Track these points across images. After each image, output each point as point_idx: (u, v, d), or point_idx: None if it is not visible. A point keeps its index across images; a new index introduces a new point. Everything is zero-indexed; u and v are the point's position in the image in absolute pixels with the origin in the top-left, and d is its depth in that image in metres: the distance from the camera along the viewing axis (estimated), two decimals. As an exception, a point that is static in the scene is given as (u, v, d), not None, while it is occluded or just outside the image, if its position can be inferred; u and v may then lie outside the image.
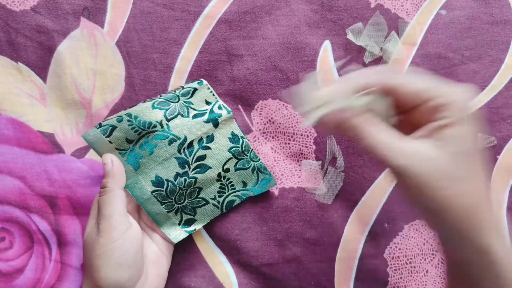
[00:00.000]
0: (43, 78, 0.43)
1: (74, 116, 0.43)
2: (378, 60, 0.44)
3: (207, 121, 0.40)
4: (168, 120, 0.39)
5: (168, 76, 0.43)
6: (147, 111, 0.39)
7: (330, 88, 0.29)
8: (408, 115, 0.31)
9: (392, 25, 0.44)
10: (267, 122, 0.44)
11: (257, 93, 0.44)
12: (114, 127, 0.38)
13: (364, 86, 0.29)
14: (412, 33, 0.44)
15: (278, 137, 0.44)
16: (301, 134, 0.44)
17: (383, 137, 0.28)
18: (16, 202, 0.42)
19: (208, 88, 0.42)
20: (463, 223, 0.28)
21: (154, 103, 0.39)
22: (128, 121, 0.38)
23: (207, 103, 0.42)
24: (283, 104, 0.44)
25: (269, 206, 0.43)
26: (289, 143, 0.44)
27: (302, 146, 0.44)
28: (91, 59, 0.43)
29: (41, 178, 0.42)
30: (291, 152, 0.44)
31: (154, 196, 0.39)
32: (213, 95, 0.42)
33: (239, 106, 0.44)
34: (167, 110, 0.39)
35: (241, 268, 0.44)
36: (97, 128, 0.38)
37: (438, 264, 0.44)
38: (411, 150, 0.28)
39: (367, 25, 0.44)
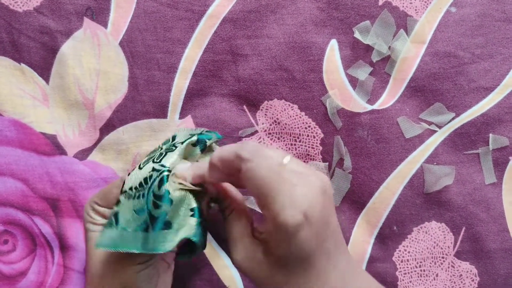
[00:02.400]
0: (46, 79, 0.43)
1: (76, 117, 0.43)
2: (386, 59, 0.44)
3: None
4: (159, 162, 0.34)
5: (172, 76, 0.43)
6: (135, 175, 0.34)
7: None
8: None
9: (401, 23, 0.44)
10: (273, 122, 0.44)
11: (262, 93, 0.43)
12: (115, 232, 0.32)
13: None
14: (421, 31, 0.43)
15: (284, 138, 0.44)
16: (308, 135, 0.44)
17: (236, 231, 0.32)
18: (18, 205, 0.42)
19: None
20: None
21: (139, 165, 0.34)
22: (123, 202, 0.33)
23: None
24: (289, 105, 0.43)
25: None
26: (295, 144, 0.44)
27: (309, 147, 0.44)
28: (94, 60, 0.43)
29: (43, 180, 0.42)
30: (297, 153, 0.44)
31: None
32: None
33: (244, 106, 0.44)
34: (153, 157, 0.34)
35: (246, 272, 0.43)
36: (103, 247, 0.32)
37: (448, 267, 0.43)
38: (250, 251, 0.31)
39: (375, 23, 0.43)
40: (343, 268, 0.31)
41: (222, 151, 0.30)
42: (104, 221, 0.36)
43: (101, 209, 0.36)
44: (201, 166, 0.32)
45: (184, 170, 0.33)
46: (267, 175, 0.28)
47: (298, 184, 0.29)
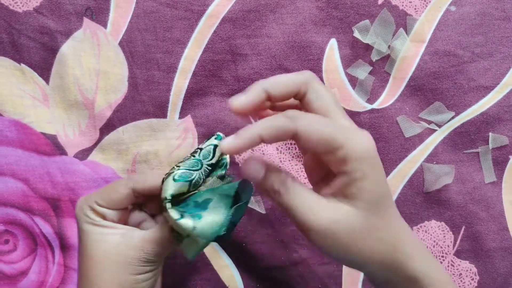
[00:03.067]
0: (46, 79, 0.43)
1: (77, 117, 0.43)
2: (386, 58, 0.43)
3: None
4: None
5: (171, 76, 0.43)
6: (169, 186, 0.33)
7: (237, 139, 0.28)
8: (313, 157, 0.32)
9: (400, 22, 0.43)
10: (272, 122, 0.43)
11: (261, 93, 0.43)
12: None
13: (272, 133, 0.28)
14: (421, 30, 0.43)
15: (283, 137, 0.43)
16: (307, 134, 0.43)
17: (304, 197, 0.28)
18: (19, 205, 0.42)
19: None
20: (386, 263, 0.30)
21: (174, 176, 0.33)
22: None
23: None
24: (289, 104, 0.43)
25: (275, 208, 0.43)
26: (294, 144, 0.44)
27: (308, 146, 0.43)
28: (94, 60, 0.43)
29: (44, 181, 0.42)
30: (296, 152, 0.44)
31: None
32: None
33: (244, 106, 0.44)
34: (191, 181, 0.34)
35: (246, 271, 0.43)
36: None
37: (448, 266, 0.43)
38: (330, 213, 0.28)
39: (374, 23, 0.43)
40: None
41: (271, 121, 0.28)
42: (105, 222, 0.33)
43: (102, 210, 0.34)
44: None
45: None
46: (325, 125, 0.28)
47: (351, 125, 0.30)
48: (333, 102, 0.30)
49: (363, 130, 0.30)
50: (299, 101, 0.31)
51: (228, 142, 0.27)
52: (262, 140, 0.28)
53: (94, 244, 0.33)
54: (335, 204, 0.28)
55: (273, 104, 0.32)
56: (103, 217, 0.34)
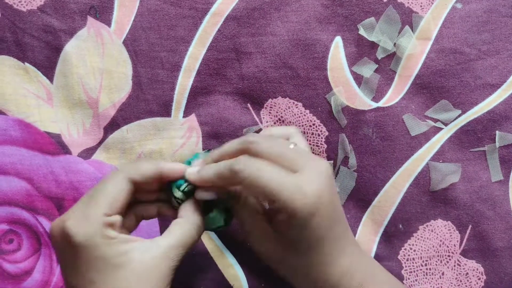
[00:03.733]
0: (50, 78, 0.43)
1: (81, 116, 0.43)
2: (392, 56, 0.43)
3: None
4: None
5: (175, 74, 0.43)
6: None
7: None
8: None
9: (406, 19, 0.43)
10: (277, 120, 0.43)
11: (266, 91, 0.43)
12: None
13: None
14: (427, 28, 0.43)
15: (288, 136, 0.43)
16: (312, 133, 0.43)
17: (267, 168, 0.30)
18: (23, 204, 0.42)
19: None
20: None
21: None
22: None
23: None
24: (293, 102, 0.43)
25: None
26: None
27: (313, 145, 0.43)
28: (98, 59, 0.43)
29: (48, 180, 0.42)
30: (301, 151, 0.43)
31: None
32: None
33: (248, 104, 0.44)
34: None
35: (251, 271, 0.43)
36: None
37: (454, 266, 0.43)
38: (262, 236, 0.33)
39: (380, 20, 0.43)
40: (350, 251, 0.33)
41: (217, 168, 0.31)
42: (128, 237, 0.30)
43: (113, 220, 0.30)
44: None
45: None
46: (269, 177, 0.29)
47: (304, 169, 0.30)
48: (279, 152, 0.31)
49: (316, 178, 0.30)
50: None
51: (192, 173, 0.33)
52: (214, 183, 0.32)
53: (115, 270, 0.28)
54: (268, 231, 0.33)
55: None
56: (119, 229, 0.30)
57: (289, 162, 0.30)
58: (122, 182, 0.31)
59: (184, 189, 0.33)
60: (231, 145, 0.33)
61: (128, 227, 0.34)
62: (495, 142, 0.43)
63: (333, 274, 0.32)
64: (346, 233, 0.33)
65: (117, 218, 0.30)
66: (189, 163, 0.35)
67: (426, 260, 0.43)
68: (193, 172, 0.33)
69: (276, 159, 0.30)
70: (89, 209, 0.29)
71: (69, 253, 0.29)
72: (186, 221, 0.32)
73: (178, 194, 0.34)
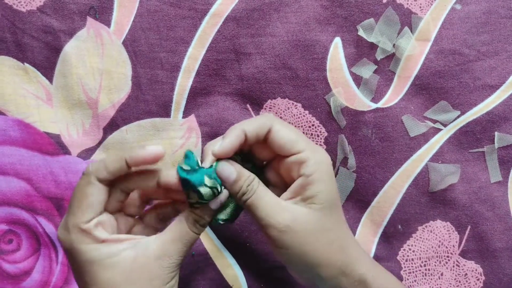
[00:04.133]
0: (50, 78, 0.43)
1: (80, 117, 0.43)
2: (391, 57, 0.43)
3: None
4: None
5: (175, 75, 0.43)
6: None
7: (226, 139, 0.32)
8: (271, 164, 0.35)
9: (405, 20, 0.43)
10: (276, 121, 0.43)
11: (265, 92, 0.43)
12: None
13: (253, 129, 0.32)
14: (426, 29, 0.43)
15: (287, 137, 0.43)
16: (311, 134, 0.43)
17: (268, 199, 0.32)
18: (22, 204, 0.42)
19: None
20: (336, 265, 0.32)
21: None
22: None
23: None
24: (293, 103, 0.43)
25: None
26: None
27: (313, 146, 0.43)
28: (98, 59, 0.43)
29: (47, 180, 0.42)
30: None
31: None
32: None
33: (248, 105, 0.44)
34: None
35: (250, 271, 0.43)
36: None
37: (453, 266, 0.43)
38: (290, 213, 0.32)
39: (379, 21, 0.43)
40: (356, 243, 0.35)
41: (254, 119, 0.33)
42: (113, 236, 0.30)
43: (95, 223, 0.30)
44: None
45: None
46: (293, 129, 0.33)
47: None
48: (295, 135, 0.33)
49: (321, 148, 0.36)
50: (264, 142, 0.33)
51: (220, 145, 0.32)
52: (246, 136, 0.32)
53: (106, 271, 0.29)
54: (293, 206, 0.32)
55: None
56: (104, 228, 0.30)
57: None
58: (91, 186, 0.30)
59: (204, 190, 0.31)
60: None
61: (149, 225, 0.34)
62: (494, 143, 0.43)
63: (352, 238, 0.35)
64: (347, 226, 0.35)
65: (101, 219, 0.30)
66: (180, 168, 0.31)
67: (425, 261, 0.43)
68: (219, 143, 0.32)
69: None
70: (68, 218, 0.30)
71: (68, 258, 0.31)
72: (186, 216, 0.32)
73: (192, 197, 0.31)
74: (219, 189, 0.31)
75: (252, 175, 0.32)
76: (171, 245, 0.30)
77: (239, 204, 0.33)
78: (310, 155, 0.32)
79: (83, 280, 0.30)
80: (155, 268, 0.30)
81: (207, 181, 0.30)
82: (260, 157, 0.35)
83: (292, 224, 0.31)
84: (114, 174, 0.30)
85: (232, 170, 0.32)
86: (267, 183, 0.35)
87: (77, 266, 0.30)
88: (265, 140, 0.33)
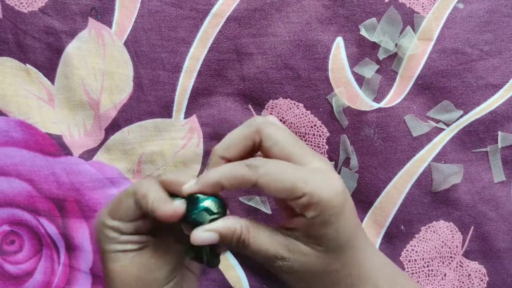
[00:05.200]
0: (51, 79, 0.43)
1: (82, 118, 0.43)
2: (393, 57, 0.43)
3: None
4: None
5: (177, 75, 0.43)
6: None
7: (197, 185, 0.29)
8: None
9: (407, 20, 0.43)
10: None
11: (267, 92, 0.43)
12: None
13: (231, 182, 0.28)
14: (428, 28, 0.43)
15: (289, 137, 0.43)
16: (313, 134, 0.43)
17: (262, 239, 0.29)
18: (24, 205, 0.42)
19: None
20: None
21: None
22: None
23: None
24: (294, 103, 0.43)
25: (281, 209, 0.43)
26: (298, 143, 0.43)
27: (315, 146, 0.43)
28: (99, 60, 0.43)
29: (49, 181, 0.42)
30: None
31: None
32: None
33: (249, 105, 0.44)
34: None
35: (252, 272, 0.43)
36: None
37: (456, 267, 0.43)
38: (290, 249, 0.28)
39: (381, 21, 0.43)
40: (375, 249, 0.32)
41: (231, 170, 0.28)
42: (124, 237, 0.30)
43: (116, 224, 0.30)
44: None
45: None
46: (292, 171, 0.28)
47: (320, 165, 0.29)
48: (291, 144, 0.29)
49: (333, 172, 0.29)
50: (260, 150, 0.30)
51: (190, 186, 0.29)
52: (222, 188, 0.28)
53: (114, 265, 0.30)
54: (294, 244, 0.29)
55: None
56: (120, 231, 0.30)
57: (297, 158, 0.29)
58: (128, 198, 0.30)
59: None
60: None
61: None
62: (497, 143, 0.43)
63: (371, 272, 0.31)
64: (363, 230, 0.32)
65: (120, 225, 0.30)
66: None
67: (428, 262, 0.43)
68: (190, 184, 0.29)
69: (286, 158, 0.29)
70: (103, 210, 0.31)
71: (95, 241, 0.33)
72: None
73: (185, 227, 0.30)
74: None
75: (238, 226, 0.29)
76: (163, 250, 0.31)
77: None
78: (314, 198, 0.27)
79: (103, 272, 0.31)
80: (150, 271, 0.30)
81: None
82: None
83: (295, 265, 0.29)
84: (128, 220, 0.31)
85: (210, 236, 0.28)
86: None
87: (101, 255, 0.31)
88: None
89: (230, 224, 0.29)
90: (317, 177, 0.28)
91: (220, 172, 0.28)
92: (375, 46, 0.43)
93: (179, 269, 0.32)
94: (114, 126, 0.43)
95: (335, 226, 0.28)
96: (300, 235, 0.29)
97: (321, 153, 0.43)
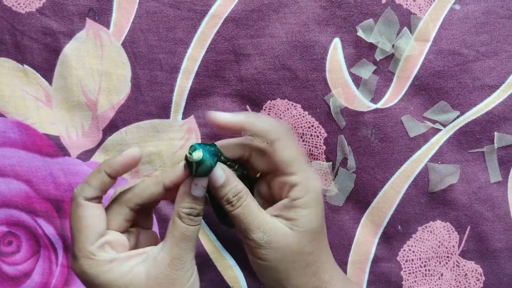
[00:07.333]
0: (49, 80, 0.43)
1: (79, 118, 0.43)
2: (390, 58, 0.43)
3: None
4: None
5: (174, 76, 0.43)
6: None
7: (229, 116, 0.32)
8: (264, 176, 0.35)
9: (404, 21, 0.43)
10: (276, 122, 0.43)
11: (265, 93, 0.43)
12: None
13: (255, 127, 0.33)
14: (425, 29, 0.43)
15: (287, 137, 0.43)
16: (311, 135, 0.43)
17: (254, 211, 0.32)
18: (22, 206, 0.42)
19: None
20: (307, 286, 0.32)
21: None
22: None
23: None
24: (292, 104, 0.43)
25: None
26: (298, 144, 0.43)
27: (312, 146, 0.43)
28: (97, 60, 0.43)
29: (46, 182, 0.42)
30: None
31: None
32: None
33: (247, 106, 0.44)
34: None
35: (250, 272, 0.43)
36: None
37: (453, 267, 0.43)
38: (271, 226, 0.31)
39: (378, 22, 0.43)
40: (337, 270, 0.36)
41: (255, 118, 0.33)
42: (124, 254, 0.30)
43: (86, 187, 0.31)
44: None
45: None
46: (295, 150, 0.33)
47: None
48: (295, 155, 0.33)
49: (315, 175, 0.37)
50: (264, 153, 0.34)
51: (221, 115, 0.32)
52: (243, 129, 0.32)
53: (78, 209, 0.30)
54: (277, 223, 0.32)
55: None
56: (90, 192, 0.31)
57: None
58: (81, 208, 0.31)
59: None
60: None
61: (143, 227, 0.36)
62: (493, 143, 0.43)
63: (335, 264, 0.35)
64: (329, 253, 0.35)
65: (108, 239, 0.31)
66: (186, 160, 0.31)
67: (425, 261, 0.43)
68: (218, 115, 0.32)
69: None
70: (73, 246, 0.30)
71: (85, 286, 0.31)
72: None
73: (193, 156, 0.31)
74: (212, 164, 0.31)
75: (241, 186, 0.32)
76: (176, 247, 0.30)
77: (226, 212, 0.32)
78: (301, 180, 0.32)
79: None
80: (171, 274, 0.30)
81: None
82: (256, 168, 0.35)
83: (273, 241, 0.31)
84: (100, 189, 0.31)
85: (221, 174, 0.31)
86: (257, 193, 0.36)
87: None
88: (264, 152, 0.33)
89: (235, 181, 0.32)
90: (309, 170, 0.33)
91: (247, 115, 0.33)
92: (372, 47, 0.43)
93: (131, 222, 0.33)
94: (112, 127, 0.43)
95: (313, 211, 0.32)
96: (281, 216, 0.32)
97: (319, 153, 0.43)
